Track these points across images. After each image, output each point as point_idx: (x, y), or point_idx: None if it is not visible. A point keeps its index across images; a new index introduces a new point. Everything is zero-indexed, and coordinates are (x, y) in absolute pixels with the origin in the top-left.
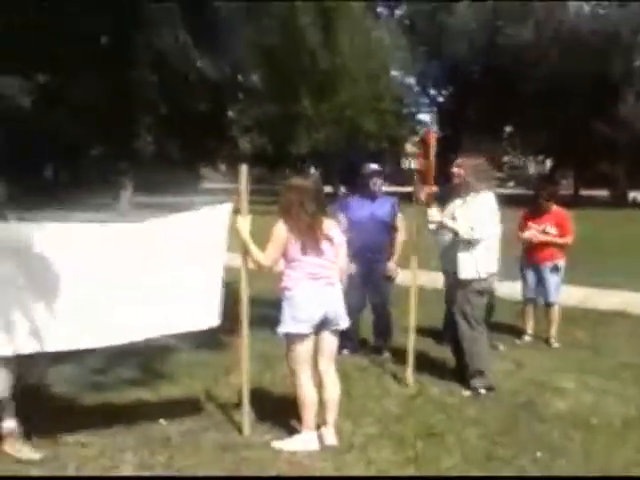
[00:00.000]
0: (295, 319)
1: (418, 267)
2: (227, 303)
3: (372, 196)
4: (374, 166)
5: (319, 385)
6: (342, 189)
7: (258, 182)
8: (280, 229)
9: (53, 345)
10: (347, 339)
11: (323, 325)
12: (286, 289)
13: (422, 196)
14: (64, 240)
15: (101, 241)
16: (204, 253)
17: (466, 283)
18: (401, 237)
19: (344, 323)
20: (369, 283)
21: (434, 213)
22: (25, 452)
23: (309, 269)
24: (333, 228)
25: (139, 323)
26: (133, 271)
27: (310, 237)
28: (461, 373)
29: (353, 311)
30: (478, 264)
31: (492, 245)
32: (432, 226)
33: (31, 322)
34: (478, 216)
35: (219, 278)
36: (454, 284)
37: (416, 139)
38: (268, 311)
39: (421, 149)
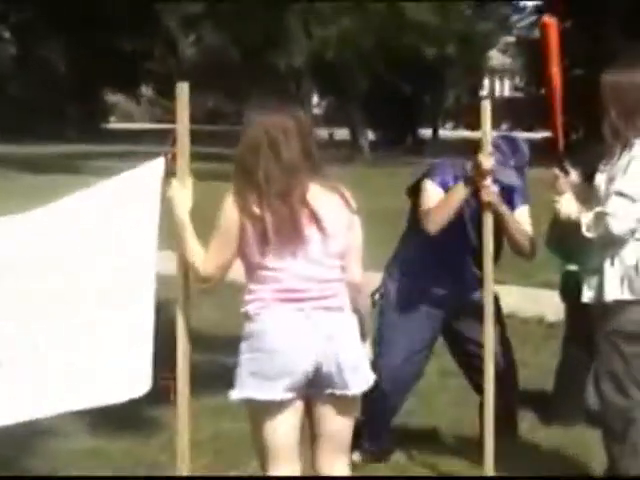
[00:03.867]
0: (259, 374)
1: (505, 281)
2: (155, 342)
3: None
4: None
5: None
6: (368, 135)
7: (211, 119)
8: (229, 209)
9: None
10: (372, 431)
11: (317, 386)
12: (246, 318)
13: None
14: None
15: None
16: (123, 267)
17: (609, 312)
18: None
19: (360, 383)
20: (450, 327)
21: (567, 205)
22: None
23: (284, 283)
24: (332, 201)
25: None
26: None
27: (284, 220)
28: None
29: (396, 381)
30: (629, 276)
31: None
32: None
33: None
34: (623, 187)
35: (149, 317)
36: (583, 313)
37: (510, 39)
38: (228, 356)
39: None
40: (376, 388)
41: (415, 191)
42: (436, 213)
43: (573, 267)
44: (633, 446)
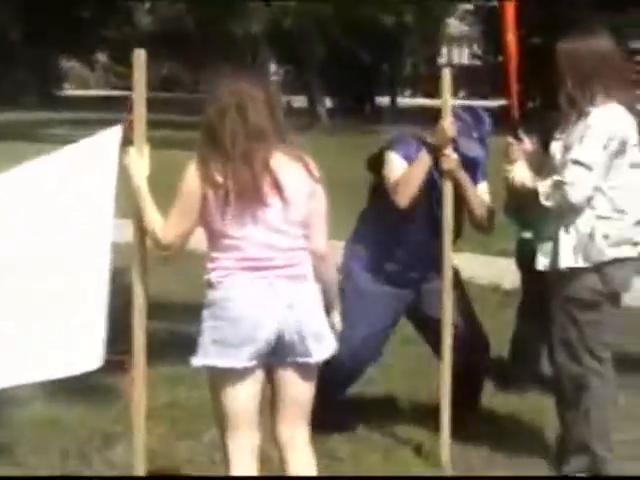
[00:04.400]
0: (222, 342)
1: (462, 249)
2: (111, 311)
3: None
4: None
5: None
6: (326, 103)
7: (167, 87)
8: (191, 177)
9: None
10: (333, 406)
11: (279, 354)
12: (208, 286)
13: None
14: None
15: None
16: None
17: (563, 280)
18: None
19: (322, 351)
20: (416, 308)
21: (519, 173)
22: None
23: (246, 251)
24: (295, 170)
25: None
26: None
27: (246, 185)
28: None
29: (354, 362)
30: (584, 244)
31: (626, 204)
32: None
33: None
34: (579, 155)
35: (104, 287)
36: (538, 281)
37: (468, 7)
38: (185, 324)
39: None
40: (334, 360)
41: (375, 165)
42: (405, 185)
43: (528, 235)
44: (585, 412)
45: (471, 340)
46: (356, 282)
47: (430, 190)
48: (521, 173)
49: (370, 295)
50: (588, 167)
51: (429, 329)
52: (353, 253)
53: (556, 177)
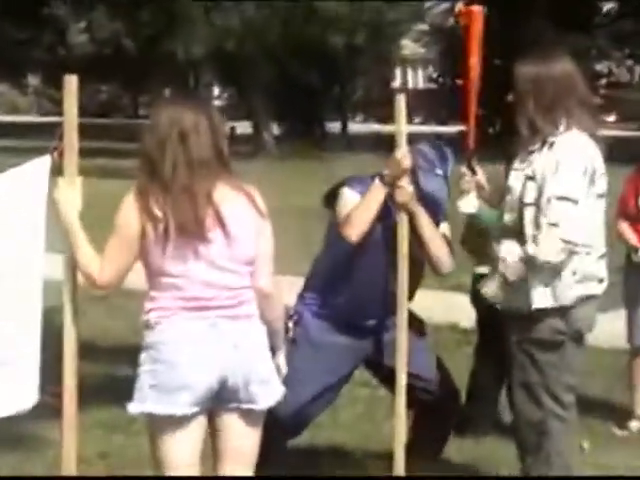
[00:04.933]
0: (160, 387)
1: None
2: (44, 351)
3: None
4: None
5: None
6: (274, 130)
7: (105, 111)
8: (129, 210)
9: None
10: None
11: (222, 400)
12: (146, 327)
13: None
14: None
15: None
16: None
17: (525, 320)
18: None
19: (268, 397)
20: (376, 359)
21: (465, 206)
22: None
23: (187, 290)
24: (240, 204)
25: None
26: None
27: (187, 218)
28: None
29: (300, 417)
30: (552, 282)
31: (592, 237)
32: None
33: None
34: (562, 191)
35: (36, 326)
36: (494, 319)
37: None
38: (121, 366)
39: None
40: (282, 411)
41: (331, 201)
42: (355, 217)
43: (484, 270)
44: (546, 457)
45: (439, 389)
46: (310, 333)
47: (388, 225)
48: (466, 206)
49: (325, 348)
50: (574, 201)
51: (392, 378)
52: (307, 300)
53: (544, 222)
